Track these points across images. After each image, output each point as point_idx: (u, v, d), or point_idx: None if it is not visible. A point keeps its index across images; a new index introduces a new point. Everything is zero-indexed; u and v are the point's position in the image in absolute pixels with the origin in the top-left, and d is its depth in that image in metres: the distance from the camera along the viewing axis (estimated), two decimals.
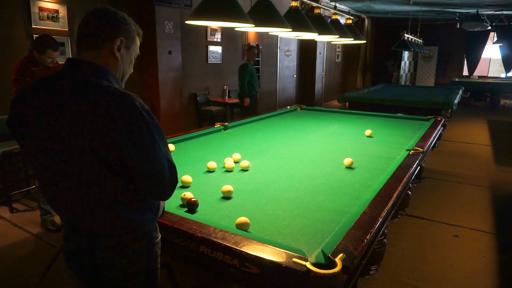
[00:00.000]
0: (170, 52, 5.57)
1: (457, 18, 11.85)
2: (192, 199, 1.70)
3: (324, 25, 4.11)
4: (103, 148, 1.05)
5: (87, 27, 1.18)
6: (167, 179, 1.15)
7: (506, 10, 9.99)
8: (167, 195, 1.20)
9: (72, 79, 1.10)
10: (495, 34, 12.53)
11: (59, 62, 3.44)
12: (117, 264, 1.20)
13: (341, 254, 1.21)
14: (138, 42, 1.27)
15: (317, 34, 3.82)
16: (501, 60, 12.95)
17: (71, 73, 1.11)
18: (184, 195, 1.76)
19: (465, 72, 13.68)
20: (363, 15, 12.11)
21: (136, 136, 1.06)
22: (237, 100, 6.43)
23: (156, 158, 1.11)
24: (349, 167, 2.41)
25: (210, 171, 2.28)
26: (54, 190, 1.18)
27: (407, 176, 2.13)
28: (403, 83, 13.54)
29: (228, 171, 2.30)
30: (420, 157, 2.56)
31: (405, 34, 7.94)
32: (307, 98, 10.32)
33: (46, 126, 1.09)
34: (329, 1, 9.03)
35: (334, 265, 1.17)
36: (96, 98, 1.05)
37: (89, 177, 1.09)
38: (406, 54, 13.52)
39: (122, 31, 1.19)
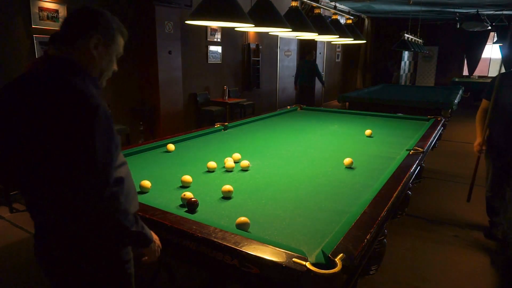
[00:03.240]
0: (170, 52, 5.57)
1: (457, 18, 11.85)
2: (192, 199, 1.70)
3: (324, 25, 4.10)
4: (60, 146, 1.03)
5: (65, 24, 1.19)
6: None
7: (506, 10, 9.99)
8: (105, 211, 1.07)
9: (43, 75, 1.10)
10: (495, 34, 12.52)
11: None
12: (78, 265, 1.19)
13: (341, 254, 1.21)
14: (120, 41, 1.26)
15: (317, 34, 3.82)
16: (501, 60, 12.94)
17: (44, 69, 1.12)
18: (184, 195, 1.76)
19: (465, 72, 13.68)
20: (363, 15, 12.11)
21: (80, 137, 1.02)
22: (237, 100, 6.98)
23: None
24: (349, 167, 2.41)
25: (210, 171, 2.28)
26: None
27: (407, 176, 2.13)
28: (403, 83, 13.54)
29: (228, 171, 2.30)
30: (420, 157, 2.55)
31: (405, 34, 7.94)
32: (307, 98, 10.31)
33: (15, 123, 1.09)
34: (329, 1, 9.03)
35: (334, 265, 1.17)
36: (56, 95, 1.05)
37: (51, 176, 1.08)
38: (406, 54, 13.51)
39: (100, 29, 1.18)
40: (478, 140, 3.14)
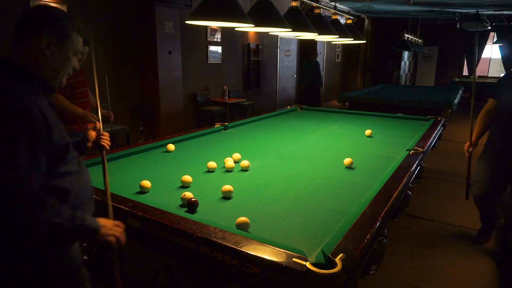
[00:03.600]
0: (170, 52, 5.57)
1: (457, 18, 11.85)
2: (192, 199, 1.70)
3: (324, 25, 4.10)
4: None
5: (17, 24, 1.17)
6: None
7: (506, 10, 9.99)
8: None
9: None
10: (495, 34, 12.52)
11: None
12: None
13: (341, 254, 1.21)
14: (76, 39, 1.23)
15: (317, 34, 3.82)
16: (501, 60, 12.95)
17: None
18: (184, 195, 1.76)
19: (465, 72, 13.68)
20: (363, 15, 12.11)
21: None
22: (237, 100, 7.00)
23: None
24: (349, 167, 2.41)
25: (210, 171, 2.28)
26: None
27: (407, 176, 2.13)
28: (403, 83, 13.54)
29: (228, 171, 2.30)
30: (420, 157, 2.55)
31: (405, 34, 7.94)
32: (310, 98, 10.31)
33: None
34: (329, 1, 9.02)
35: (334, 265, 1.17)
36: None
37: None
38: (406, 54, 13.52)
39: (51, 28, 1.15)
40: (468, 143, 2.99)
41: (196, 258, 1.44)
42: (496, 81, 2.90)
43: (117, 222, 1.29)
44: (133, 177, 2.12)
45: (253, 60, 8.03)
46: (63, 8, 4.43)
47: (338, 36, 4.43)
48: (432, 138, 3.18)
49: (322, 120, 4.22)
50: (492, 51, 13.37)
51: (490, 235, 3.07)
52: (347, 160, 2.42)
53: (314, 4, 4.50)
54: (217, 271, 1.46)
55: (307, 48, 9.95)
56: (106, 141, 1.55)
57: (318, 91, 8.22)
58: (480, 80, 11.67)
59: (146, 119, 5.63)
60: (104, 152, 1.55)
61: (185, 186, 2.00)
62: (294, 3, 3.62)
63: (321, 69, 8.51)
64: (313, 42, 9.48)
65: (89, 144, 1.53)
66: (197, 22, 2.63)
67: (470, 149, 2.96)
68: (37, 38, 1.14)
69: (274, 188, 2.03)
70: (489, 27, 10.27)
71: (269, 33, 3.95)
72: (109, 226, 1.24)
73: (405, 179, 2.07)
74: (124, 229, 1.28)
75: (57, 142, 1.11)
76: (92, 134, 1.55)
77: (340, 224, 1.55)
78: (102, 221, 1.24)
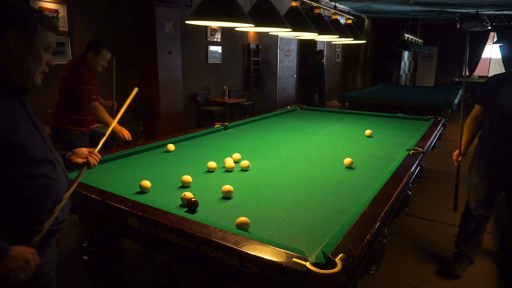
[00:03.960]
0: (170, 52, 5.57)
1: (457, 18, 11.85)
2: (192, 199, 1.70)
3: (324, 25, 4.10)
4: None
5: None
6: None
7: (506, 10, 9.99)
8: None
9: None
10: (495, 34, 12.52)
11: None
12: None
13: (341, 254, 1.21)
14: (45, 34, 1.18)
15: (317, 34, 3.82)
16: (501, 60, 12.95)
17: None
18: (184, 195, 1.76)
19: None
20: (363, 15, 12.10)
21: None
22: (237, 100, 7.08)
23: None
24: (349, 167, 2.41)
25: (210, 171, 2.28)
26: None
27: (407, 176, 2.13)
28: (403, 83, 13.53)
29: (228, 171, 2.30)
30: (420, 157, 2.56)
31: (405, 34, 7.94)
32: (307, 98, 10.32)
33: None
34: (329, 1, 9.02)
35: (334, 265, 1.17)
36: None
37: None
38: (406, 54, 13.51)
39: (15, 24, 1.12)
40: (457, 151, 2.77)
41: (196, 258, 1.44)
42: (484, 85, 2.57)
43: (31, 256, 1.12)
44: (133, 177, 2.12)
45: (253, 60, 8.03)
46: (63, 8, 4.43)
47: (338, 36, 4.43)
48: (432, 138, 3.18)
49: (322, 120, 4.22)
50: (492, 51, 13.36)
51: (473, 256, 2.68)
52: (347, 160, 2.42)
53: (314, 4, 4.50)
54: (217, 271, 1.46)
55: (308, 49, 9.96)
56: (94, 160, 1.48)
57: (323, 91, 8.65)
58: (480, 80, 11.67)
59: (146, 119, 5.63)
60: (85, 169, 1.46)
61: (185, 186, 2.00)
62: (294, 3, 3.62)
63: (324, 70, 8.72)
64: (313, 42, 9.48)
65: (79, 160, 1.46)
66: (197, 22, 2.63)
67: (460, 158, 2.77)
68: (1, 36, 1.11)
69: (274, 188, 2.03)
70: (489, 27, 10.27)
71: (269, 33, 3.95)
72: (20, 258, 1.09)
73: (405, 179, 2.07)
74: (35, 265, 1.13)
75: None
76: (83, 150, 1.50)
77: (340, 224, 1.55)
78: (16, 250, 1.09)
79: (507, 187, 2.55)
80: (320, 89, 8.68)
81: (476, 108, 2.59)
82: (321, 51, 9.03)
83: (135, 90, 1.73)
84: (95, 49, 3.17)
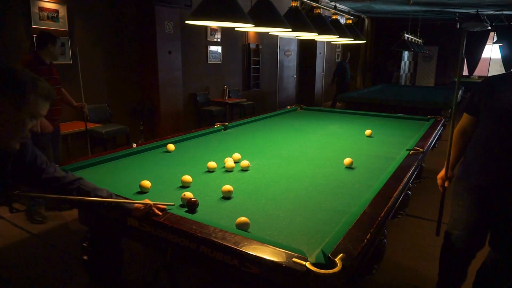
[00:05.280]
0: (170, 52, 5.57)
1: (457, 18, 11.85)
2: (192, 199, 1.70)
3: (324, 25, 4.10)
4: None
5: None
6: None
7: (506, 10, 9.99)
8: None
9: None
10: (495, 34, 12.52)
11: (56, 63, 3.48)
12: None
13: (341, 254, 1.21)
14: (36, 103, 1.17)
15: (317, 34, 3.82)
16: (501, 60, 12.95)
17: None
18: (184, 195, 1.76)
19: (465, 72, 13.68)
20: (363, 15, 12.10)
21: None
22: (237, 100, 7.11)
23: None
24: (349, 167, 2.41)
25: (210, 171, 2.28)
26: None
27: (407, 176, 2.13)
28: (403, 83, 13.53)
29: (228, 171, 2.30)
30: (420, 157, 2.56)
31: (405, 34, 7.94)
32: (307, 98, 10.32)
33: None
34: (329, 1, 9.02)
35: (334, 265, 1.17)
36: None
37: None
38: (406, 54, 13.51)
39: (6, 91, 1.12)
40: (443, 171, 2.24)
41: (196, 258, 1.44)
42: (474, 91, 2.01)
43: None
44: (133, 177, 2.13)
45: (253, 60, 8.03)
46: (63, 8, 4.43)
47: (338, 36, 4.43)
48: (432, 138, 3.18)
49: (322, 120, 4.22)
50: (492, 51, 13.36)
51: None
52: (347, 160, 2.42)
53: (314, 4, 4.50)
54: (217, 271, 1.46)
55: (309, 49, 9.97)
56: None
57: (346, 85, 9.41)
58: (480, 80, 11.66)
59: (146, 119, 5.63)
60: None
61: (185, 186, 2.00)
62: (294, 3, 3.62)
63: (320, 70, 8.93)
64: (313, 42, 9.49)
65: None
66: (197, 22, 2.63)
67: (446, 184, 2.25)
68: None
69: (274, 188, 2.03)
70: (489, 27, 10.27)
71: (269, 33, 3.95)
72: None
73: (405, 179, 2.07)
74: None
75: None
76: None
77: (340, 224, 1.55)
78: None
79: (495, 220, 2.02)
80: (344, 89, 9.10)
81: (465, 118, 2.13)
82: (347, 53, 9.49)
83: None
84: (39, 44, 3.24)
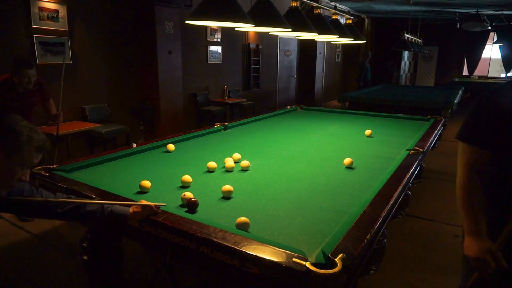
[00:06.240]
0: (170, 52, 5.57)
1: (457, 18, 11.84)
2: (192, 199, 1.70)
3: (324, 25, 4.10)
4: None
5: None
6: None
7: (506, 10, 9.98)
8: None
9: None
10: (495, 34, 12.52)
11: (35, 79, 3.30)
12: None
13: (341, 254, 1.21)
14: (29, 153, 1.16)
15: (317, 34, 3.82)
16: (501, 60, 12.94)
17: None
18: (184, 195, 1.76)
19: (465, 72, 13.67)
20: (363, 15, 12.10)
21: None
22: (237, 100, 7.13)
23: None
24: (349, 167, 2.41)
25: (210, 171, 2.28)
26: None
27: (407, 176, 2.13)
28: (403, 83, 13.53)
29: (228, 171, 2.30)
30: (420, 157, 2.56)
31: (405, 34, 7.94)
32: (307, 98, 10.33)
33: None
34: (329, 1, 9.02)
35: (334, 265, 1.17)
36: None
37: None
38: (406, 54, 13.51)
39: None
40: (486, 243, 1.34)
41: (196, 258, 1.44)
42: (496, 81, 1.53)
43: None
44: (133, 177, 2.13)
45: (253, 60, 8.03)
46: (63, 8, 4.43)
47: (338, 36, 4.43)
48: (432, 138, 3.18)
49: (322, 120, 4.22)
50: (492, 51, 13.36)
51: None
52: (347, 160, 2.42)
53: (314, 4, 4.50)
54: (217, 271, 1.46)
55: (309, 49, 9.96)
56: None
57: (367, 85, 9.63)
58: (480, 80, 11.66)
59: (146, 119, 5.63)
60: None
61: (185, 186, 2.00)
62: (294, 3, 3.62)
63: (320, 70, 8.94)
64: (313, 42, 9.49)
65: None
66: (197, 22, 2.63)
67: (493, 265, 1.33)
68: None
69: (274, 188, 2.03)
70: (489, 27, 10.27)
71: (269, 33, 3.95)
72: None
73: (405, 179, 2.07)
74: None
75: None
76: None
77: (340, 224, 1.55)
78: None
79: None
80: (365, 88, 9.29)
81: (474, 153, 1.37)
82: (367, 53, 9.81)
83: None
84: (14, 69, 3.11)
